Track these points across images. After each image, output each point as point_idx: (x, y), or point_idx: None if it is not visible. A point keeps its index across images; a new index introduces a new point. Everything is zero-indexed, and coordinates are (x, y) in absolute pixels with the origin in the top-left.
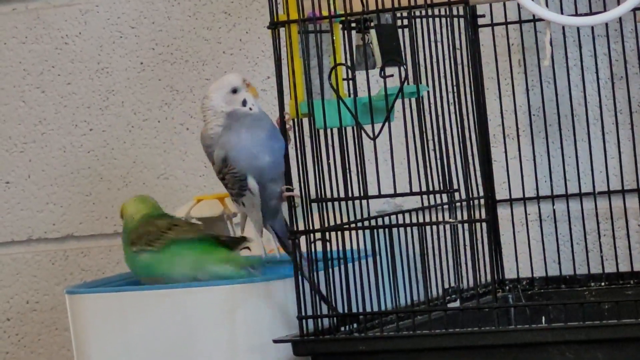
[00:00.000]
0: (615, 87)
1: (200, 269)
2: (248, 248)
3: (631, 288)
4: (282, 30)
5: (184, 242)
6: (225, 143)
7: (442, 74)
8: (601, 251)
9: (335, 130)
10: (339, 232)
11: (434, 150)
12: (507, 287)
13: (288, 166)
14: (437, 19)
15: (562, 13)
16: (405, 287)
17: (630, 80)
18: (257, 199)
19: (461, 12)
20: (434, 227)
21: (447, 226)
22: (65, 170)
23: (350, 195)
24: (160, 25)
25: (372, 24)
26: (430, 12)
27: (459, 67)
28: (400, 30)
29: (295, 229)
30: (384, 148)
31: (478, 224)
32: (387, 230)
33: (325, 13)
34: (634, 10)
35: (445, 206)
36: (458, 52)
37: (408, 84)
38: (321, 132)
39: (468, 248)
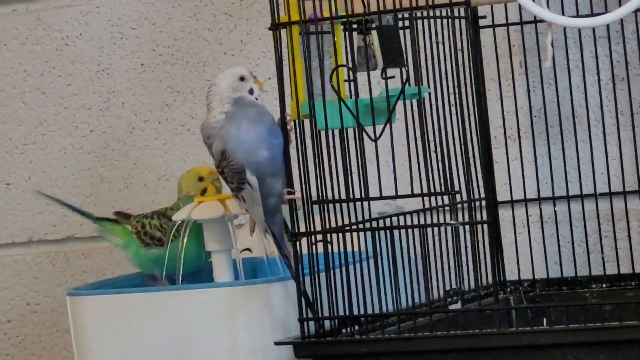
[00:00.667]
0: (616, 89)
1: None
2: (249, 250)
3: (632, 290)
4: (283, 32)
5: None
6: (224, 135)
7: (443, 75)
8: (602, 253)
9: (336, 132)
10: (340, 234)
11: (435, 151)
12: (509, 289)
13: (289, 167)
14: (438, 20)
15: (563, 14)
16: (406, 289)
17: (631, 82)
18: (256, 193)
19: (462, 14)
20: (435, 228)
21: (449, 228)
22: (66, 172)
23: (351, 196)
24: (160, 26)
25: (374, 25)
26: (431, 14)
27: (460, 68)
28: (401, 32)
29: (296, 230)
30: (385, 149)
31: (479, 226)
32: (388, 231)
33: (326, 14)
34: (635, 11)
35: (447, 208)
36: (459, 53)
37: (409, 85)
38: (322, 133)
39: (469, 250)
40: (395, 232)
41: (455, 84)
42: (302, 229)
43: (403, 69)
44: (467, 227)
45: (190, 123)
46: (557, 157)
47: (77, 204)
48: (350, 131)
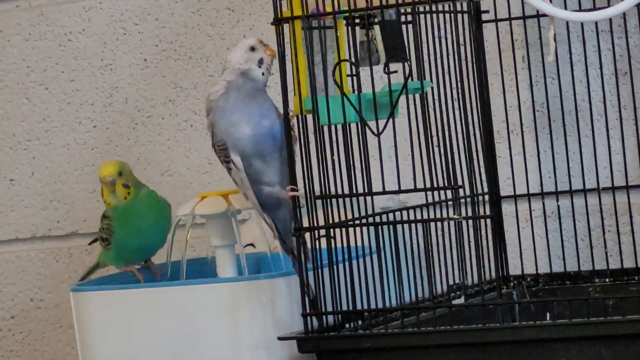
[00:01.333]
0: (619, 83)
1: None
2: (252, 245)
3: (636, 284)
4: (285, 27)
5: None
6: (214, 106)
7: (446, 70)
8: (605, 247)
9: (339, 127)
10: (344, 229)
11: (438, 146)
12: (512, 284)
13: (292, 163)
14: (440, 15)
15: (565, 8)
16: (409, 284)
17: (634, 76)
18: (242, 174)
19: (465, 8)
20: (439, 223)
21: (452, 222)
22: (69, 168)
23: (354, 191)
24: (163, 21)
25: (376, 20)
26: (434, 8)
27: (463, 63)
28: (404, 26)
29: (299, 225)
30: (388, 144)
31: (482, 221)
32: (391, 226)
33: (329, 9)
34: (638, 5)
35: (450, 202)
36: (462, 47)
37: (412, 80)
38: (325, 128)
39: (472, 244)
40: (399, 226)
41: (458, 79)
42: (305, 224)
43: (405, 64)
44: (470, 221)
45: (194, 119)
46: (560, 152)
47: (80, 199)
48: (353, 126)
